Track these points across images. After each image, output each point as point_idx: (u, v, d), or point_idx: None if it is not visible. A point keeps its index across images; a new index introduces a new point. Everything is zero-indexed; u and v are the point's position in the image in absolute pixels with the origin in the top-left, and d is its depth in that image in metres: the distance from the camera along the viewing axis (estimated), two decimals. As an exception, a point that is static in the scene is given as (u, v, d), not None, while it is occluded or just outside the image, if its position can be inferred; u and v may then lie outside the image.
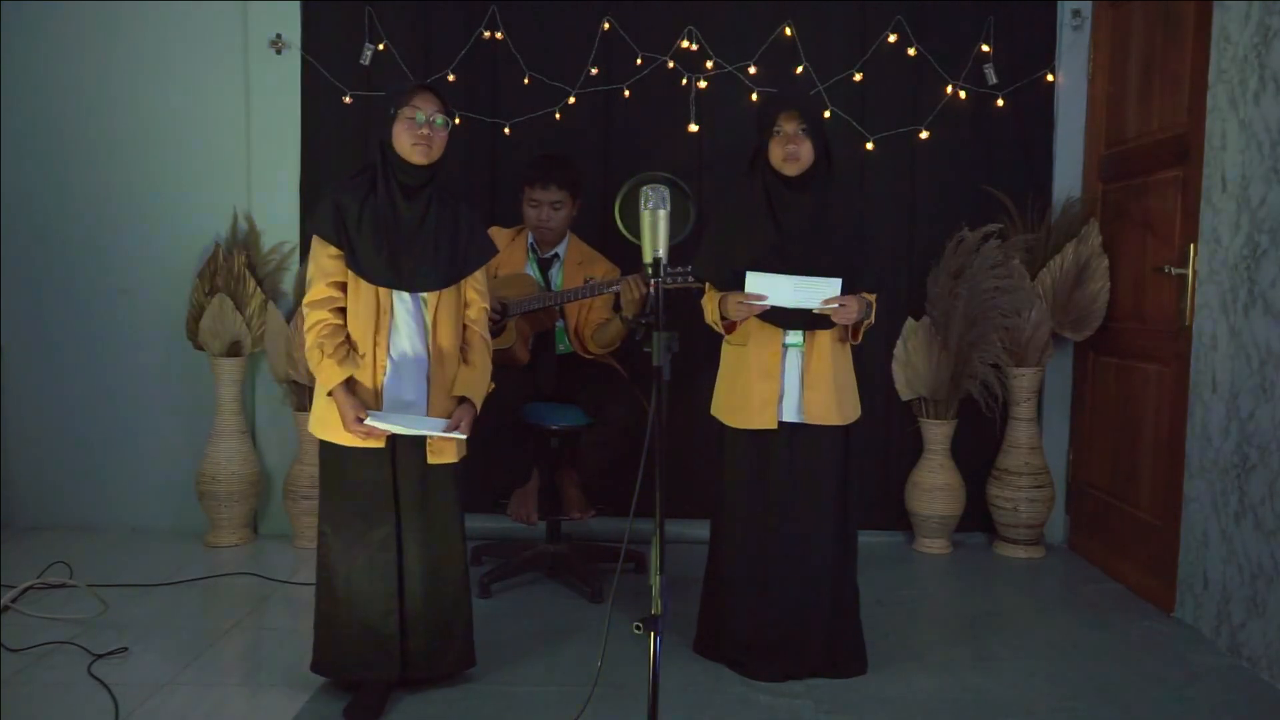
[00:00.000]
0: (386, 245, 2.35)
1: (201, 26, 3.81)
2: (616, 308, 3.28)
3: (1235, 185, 2.85)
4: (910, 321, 3.79)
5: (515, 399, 3.21)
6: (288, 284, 3.83)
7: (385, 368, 2.40)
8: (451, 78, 3.77)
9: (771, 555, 2.61)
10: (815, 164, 2.57)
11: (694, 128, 3.77)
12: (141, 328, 3.89)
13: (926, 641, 2.93)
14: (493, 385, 2.59)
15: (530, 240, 3.43)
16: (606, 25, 3.76)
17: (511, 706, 2.45)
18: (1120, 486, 3.55)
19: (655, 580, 1.95)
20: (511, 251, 3.41)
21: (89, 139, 3.85)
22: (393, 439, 2.39)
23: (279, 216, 3.83)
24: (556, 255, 3.43)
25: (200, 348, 3.74)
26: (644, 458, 1.95)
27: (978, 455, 3.87)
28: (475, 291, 2.52)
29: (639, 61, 3.77)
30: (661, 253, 2.01)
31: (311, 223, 2.43)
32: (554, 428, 3.24)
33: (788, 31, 3.77)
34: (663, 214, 2.00)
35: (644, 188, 2.01)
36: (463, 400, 2.47)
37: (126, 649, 2.74)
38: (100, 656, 2.68)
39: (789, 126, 2.53)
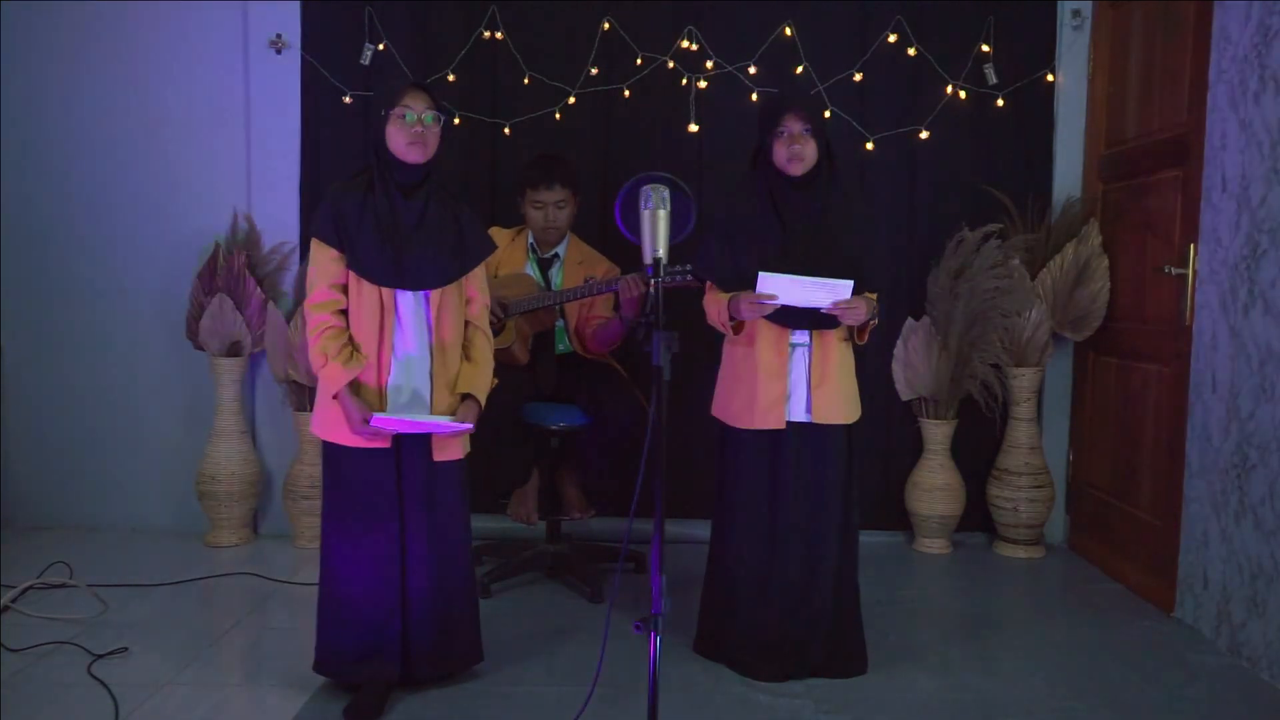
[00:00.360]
0: (387, 245, 2.35)
1: (201, 26, 3.81)
2: (617, 307, 3.28)
3: (1235, 185, 2.85)
4: (910, 321, 3.79)
5: (515, 399, 3.21)
6: (288, 284, 3.83)
7: (389, 367, 2.40)
8: (451, 78, 3.78)
9: (776, 555, 2.61)
10: (818, 164, 2.57)
11: (694, 128, 3.78)
12: (141, 328, 3.90)
13: (926, 641, 2.93)
14: (495, 381, 2.59)
15: (530, 240, 3.43)
16: (606, 25, 3.76)
17: (511, 706, 2.45)
18: (1120, 486, 3.55)
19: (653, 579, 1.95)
20: (511, 251, 3.41)
21: (89, 139, 3.85)
22: (397, 438, 2.40)
23: (279, 216, 3.83)
24: (556, 255, 3.43)
25: (200, 348, 3.73)
26: (644, 458, 1.95)
27: (978, 455, 3.87)
28: (476, 288, 2.53)
29: (639, 61, 3.78)
30: (661, 253, 2.01)
31: (311, 226, 2.43)
32: (554, 428, 3.24)
33: (788, 31, 3.77)
34: (663, 214, 2.00)
35: (644, 188, 2.01)
36: (466, 397, 2.47)
37: (126, 649, 2.74)
38: (100, 656, 2.68)
39: (794, 126, 2.53)
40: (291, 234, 3.83)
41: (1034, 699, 2.54)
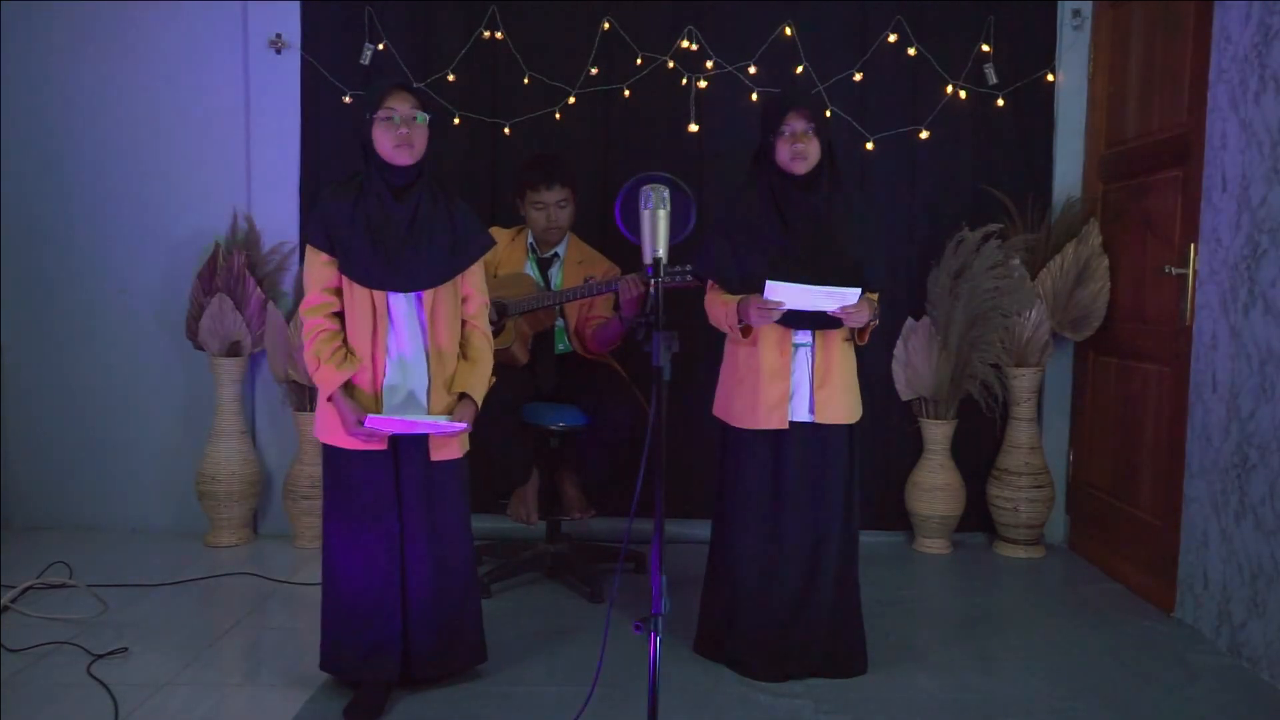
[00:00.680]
0: (379, 248, 2.34)
1: (201, 26, 3.81)
2: (616, 307, 3.28)
3: (1235, 185, 2.85)
4: (910, 321, 3.79)
5: (515, 399, 3.21)
6: (287, 284, 3.84)
7: (385, 369, 2.40)
8: (451, 78, 3.78)
9: (778, 555, 2.61)
10: (821, 163, 2.57)
11: (694, 128, 3.77)
12: (141, 328, 3.90)
13: (926, 641, 2.93)
14: (493, 379, 2.58)
15: (530, 240, 3.42)
16: (606, 25, 3.76)
17: (511, 706, 2.45)
18: (1120, 486, 3.55)
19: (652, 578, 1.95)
20: (511, 251, 3.41)
21: (89, 139, 3.85)
22: (394, 439, 2.39)
23: (279, 216, 3.83)
24: (556, 255, 3.43)
25: (200, 348, 3.74)
26: (644, 458, 1.95)
27: (978, 455, 3.87)
28: (473, 287, 2.51)
29: (639, 61, 3.77)
30: (661, 253, 2.01)
31: (305, 231, 2.43)
32: (554, 428, 3.24)
33: (788, 31, 3.77)
34: (663, 214, 2.00)
35: (644, 188, 2.01)
36: (463, 396, 2.47)
37: (126, 649, 2.74)
38: (100, 656, 2.68)
39: (797, 125, 2.53)
40: (291, 234, 3.83)
41: (1034, 699, 2.54)
